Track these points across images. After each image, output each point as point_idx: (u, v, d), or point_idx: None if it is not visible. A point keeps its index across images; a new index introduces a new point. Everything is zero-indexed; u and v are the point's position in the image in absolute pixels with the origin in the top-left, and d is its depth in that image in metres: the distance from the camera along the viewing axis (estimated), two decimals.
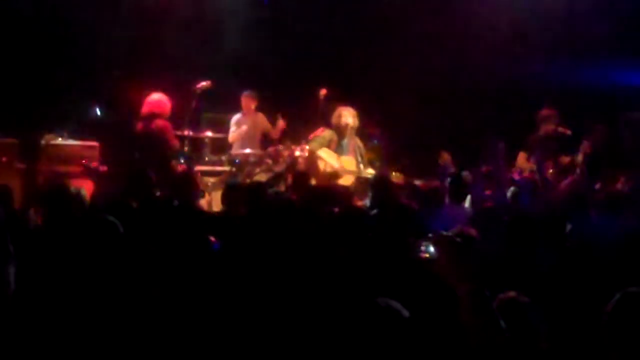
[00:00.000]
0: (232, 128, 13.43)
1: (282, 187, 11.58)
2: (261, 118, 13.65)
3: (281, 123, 13.39)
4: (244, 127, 13.37)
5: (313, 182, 11.78)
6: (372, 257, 6.24)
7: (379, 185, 9.90)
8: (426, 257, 5.19)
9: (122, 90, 13.81)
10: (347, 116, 12.43)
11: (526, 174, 11.87)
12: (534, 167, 12.06)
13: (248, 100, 13.55)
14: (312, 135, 12.65)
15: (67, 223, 6.96)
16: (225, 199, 8.70)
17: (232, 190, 8.75)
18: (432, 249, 4.43)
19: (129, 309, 5.69)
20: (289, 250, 6.25)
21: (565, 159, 12.07)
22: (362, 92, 14.01)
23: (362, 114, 12.81)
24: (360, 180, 12.12)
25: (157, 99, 12.33)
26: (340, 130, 12.44)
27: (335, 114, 12.50)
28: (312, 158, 12.33)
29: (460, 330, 4.24)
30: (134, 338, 5.49)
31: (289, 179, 11.84)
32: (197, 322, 5.55)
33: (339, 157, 12.41)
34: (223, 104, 13.91)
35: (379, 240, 6.75)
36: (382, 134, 13.37)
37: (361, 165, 12.37)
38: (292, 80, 14.59)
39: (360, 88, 14.29)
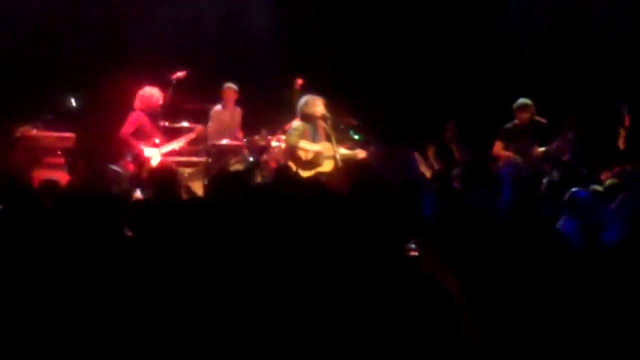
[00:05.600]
0: (211, 122, 13.36)
1: (258, 177, 11.55)
2: (239, 113, 13.60)
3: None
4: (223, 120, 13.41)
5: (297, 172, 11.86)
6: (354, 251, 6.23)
7: (358, 172, 9.87)
8: (414, 255, 5.26)
9: (98, 81, 13.82)
10: (321, 105, 12.37)
11: (502, 162, 11.95)
12: (511, 155, 12.14)
13: (230, 93, 13.49)
14: (287, 126, 12.62)
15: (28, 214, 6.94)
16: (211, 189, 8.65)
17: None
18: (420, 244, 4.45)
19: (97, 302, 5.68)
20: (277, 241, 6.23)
21: (538, 150, 12.13)
22: (337, 81, 14.04)
23: (338, 104, 12.80)
24: (338, 164, 12.10)
25: (139, 94, 12.37)
26: (313, 120, 12.35)
27: (309, 103, 12.36)
28: (292, 151, 12.25)
29: (452, 326, 4.25)
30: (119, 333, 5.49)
31: (265, 169, 11.82)
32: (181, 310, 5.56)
33: (317, 144, 12.36)
34: (201, 94, 13.86)
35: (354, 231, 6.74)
36: (360, 124, 13.40)
37: (335, 148, 12.31)
38: (268, 69, 14.59)
39: (336, 78, 14.32)
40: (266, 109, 13.73)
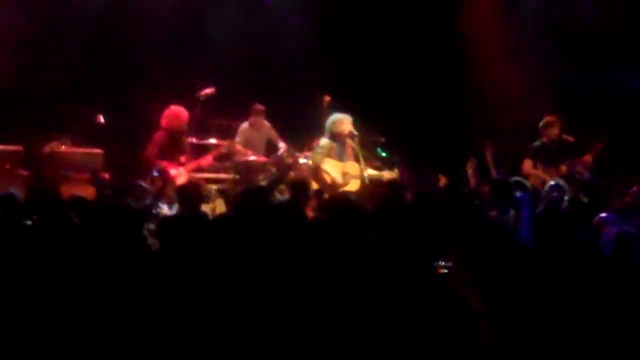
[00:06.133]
0: (238, 138, 13.41)
1: (282, 192, 11.52)
2: (267, 127, 13.64)
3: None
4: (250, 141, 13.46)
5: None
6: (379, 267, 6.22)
7: (389, 190, 9.87)
8: (443, 272, 5.26)
9: (127, 97, 13.93)
10: (348, 124, 12.33)
11: (532, 180, 11.89)
12: (540, 173, 12.09)
13: (257, 114, 13.54)
14: (315, 143, 12.62)
15: (60, 227, 6.99)
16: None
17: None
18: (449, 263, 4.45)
19: (132, 314, 5.71)
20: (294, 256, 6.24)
21: (563, 168, 12.09)
22: (365, 98, 14.07)
23: (367, 122, 12.80)
24: (365, 184, 12.05)
25: (165, 113, 12.42)
26: (340, 138, 12.31)
27: (336, 122, 12.31)
28: (317, 171, 12.21)
29: (473, 344, 4.24)
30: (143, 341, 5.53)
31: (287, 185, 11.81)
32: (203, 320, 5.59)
33: (343, 163, 12.31)
34: (229, 110, 13.90)
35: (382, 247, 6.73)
36: (387, 142, 13.39)
37: (363, 167, 12.25)
38: (295, 86, 14.62)
39: (364, 95, 14.35)
40: (294, 126, 13.75)
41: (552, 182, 10.00)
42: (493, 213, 8.58)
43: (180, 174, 12.12)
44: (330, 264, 6.03)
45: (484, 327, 4.51)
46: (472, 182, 10.72)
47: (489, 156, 11.32)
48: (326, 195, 11.09)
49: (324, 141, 12.30)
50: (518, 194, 8.89)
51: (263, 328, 5.56)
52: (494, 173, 11.19)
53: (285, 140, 13.47)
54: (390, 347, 5.32)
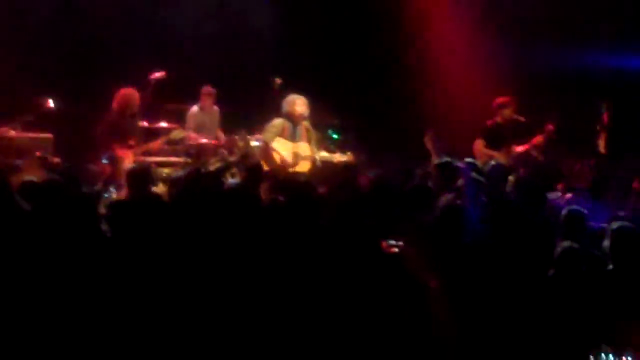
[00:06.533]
0: (189, 123, 13.35)
1: (231, 177, 11.50)
2: (217, 113, 13.58)
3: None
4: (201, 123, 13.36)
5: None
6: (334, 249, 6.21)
7: (345, 172, 9.90)
8: (395, 252, 5.25)
9: (77, 81, 13.80)
10: (301, 105, 12.39)
11: (483, 160, 11.93)
12: (491, 153, 12.13)
13: (207, 96, 13.47)
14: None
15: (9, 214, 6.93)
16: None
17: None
18: (400, 242, 4.45)
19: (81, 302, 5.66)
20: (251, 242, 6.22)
21: (519, 148, 12.14)
22: (316, 81, 14.04)
23: (318, 104, 12.79)
24: (317, 165, 12.11)
25: (116, 94, 12.32)
26: (293, 118, 12.38)
27: (289, 102, 12.42)
28: (267, 150, 12.27)
29: (429, 323, 4.25)
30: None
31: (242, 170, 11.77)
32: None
33: (294, 143, 12.35)
34: (180, 94, 13.82)
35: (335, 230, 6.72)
36: (343, 125, 13.40)
37: (315, 149, 12.33)
38: (247, 69, 14.58)
39: (315, 77, 14.32)
40: (246, 109, 13.71)
41: (493, 163, 10.05)
42: (446, 196, 8.61)
43: (128, 156, 12.02)
44: (285, 246, 6.02)
45: (441, 308, 4.52)
46: (434, 156, 10.78)
47: (429, 143, 11.35)
48: (276, 174, 11.12)
49: (276, 121, 12.40)
50: (460, 164, 8.94)
51: (217, 312, 5.54)
52: (435, 159, 11.24)
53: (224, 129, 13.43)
54: (349, 329, 5.32)
